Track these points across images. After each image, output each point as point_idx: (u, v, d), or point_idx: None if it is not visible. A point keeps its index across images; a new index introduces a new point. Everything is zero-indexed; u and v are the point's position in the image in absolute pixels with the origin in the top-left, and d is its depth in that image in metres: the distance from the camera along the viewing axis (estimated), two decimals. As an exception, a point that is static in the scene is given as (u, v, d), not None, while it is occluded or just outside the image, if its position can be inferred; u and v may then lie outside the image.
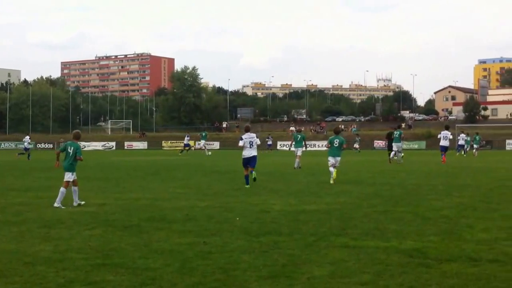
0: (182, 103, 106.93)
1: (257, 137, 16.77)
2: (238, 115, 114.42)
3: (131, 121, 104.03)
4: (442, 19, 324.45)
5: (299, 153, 24.47)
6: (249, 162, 16.18)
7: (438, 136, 30.28)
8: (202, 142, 48.43)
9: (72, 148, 12.07)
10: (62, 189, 11.83)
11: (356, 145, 52.60)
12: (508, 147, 59.60)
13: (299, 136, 25.54)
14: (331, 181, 16.68)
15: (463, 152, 41.81)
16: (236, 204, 11.95)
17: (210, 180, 18.59)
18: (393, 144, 28.88)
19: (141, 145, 79.63)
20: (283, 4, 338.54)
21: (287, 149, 59.97)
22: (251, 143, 16.28)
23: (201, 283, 5.72)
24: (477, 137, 43.44)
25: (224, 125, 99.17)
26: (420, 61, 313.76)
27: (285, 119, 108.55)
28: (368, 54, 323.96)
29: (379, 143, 69.78)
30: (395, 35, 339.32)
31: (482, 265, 6.24)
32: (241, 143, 16.33)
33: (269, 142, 61.08)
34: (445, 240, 7.70)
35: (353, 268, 6.21)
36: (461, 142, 43.49)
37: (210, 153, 47.08)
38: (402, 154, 29.31)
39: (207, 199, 13.02)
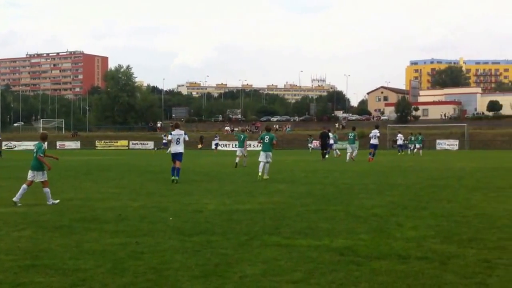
0: (116, 103, 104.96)
1: (185, 134, 17.69)
2: (173, 115, 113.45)
3: (63, 120, 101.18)
4: (375, 20, 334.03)
5: (239, 153, 25.34)
6: (176, 157, 17.21)
7: (370, 135, 31.57)
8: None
9: (35, 148, 12.11)
10: (24, 185, 11.86)
11: (400, 141, 51.47)
12: (438, 147, 61.94)
13: (242, 136, 26.50)
14: (259, 178, 17.86)
15: (408, 151, 44.05)
16: (170, 203, 11.79)
17: (144, 180, 18.30)
18: (348, 145, 31.11)
19: (74, 145, 77.64)
20: (218, 2, 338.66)
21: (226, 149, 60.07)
22: (178, 139, 17.33)
23: (132, 283, 5.61)
24: (420, 137, 45.77)
25: (159, 125, 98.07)
26: (354, 62, 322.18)
27: (220, 118, 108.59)
28: (302, 54, 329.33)
29: (313, 143, 71.01)
30: (329, 36, 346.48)
31: (411, 263, 6.38)
32: (169, 137, 17.53)
33: (216, 142, 61.33)
34: (375, 238, 7.85)
35: (285, 266, 6.23)
36: (399, 142, 45.30)
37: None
38: (351, 152, 31.00)
39: (140, 199, 12.80)
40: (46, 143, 12.78)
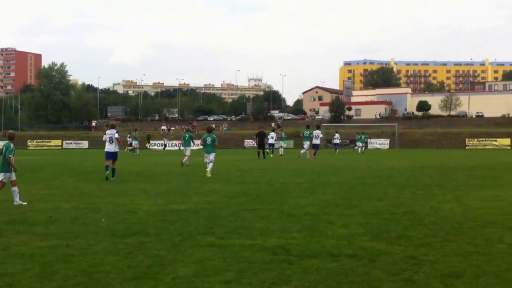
0: (50, 101, 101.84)
1: (117, 133, 18.16)
2: (109, 114, 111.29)
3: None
4: (310, 21, 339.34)
5: (187, 152, 26.02)
6: (111, 156, 17.80)
7: (312, 135, 32.91)
8: (134, 142, 48.24)
9: (3, 148, 11.79)
10: None
11: (337, 141, 52.33)
12: (370, 146, 63.60)
13: (187, 135, 27.36)
14: (208, 175, 18.74)
15: (359, 150, 45.92)
16: (103, 205, 11.55)
17: (77, 181, 17.83)
18: (304, 142, 32.64)
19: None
20: (155, 0, 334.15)
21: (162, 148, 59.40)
22: (110, 139, 17.98)
23: (62, 287, 5.48)
24: (363, 136, 47.77)
25: (94, 124, 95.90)
26: (290, 62, 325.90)
27: (157, 118, 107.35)
28: (239, 54, 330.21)
29: (250, 142, 71.37)
30: (266, 36, 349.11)
31: (341, 260, 6.51)
32: (104, 138, 18.29)
33: (165, 143, 61.02)
34: (307, 236, 7.97)
35: (218, 266, 6.24)
36: (336, 141, 46.59)
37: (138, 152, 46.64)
38: (307, 150, 32.39)
39: (73, 200, 12.48)
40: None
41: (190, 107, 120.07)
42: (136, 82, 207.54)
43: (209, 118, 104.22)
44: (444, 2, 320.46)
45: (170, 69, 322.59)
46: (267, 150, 37.11)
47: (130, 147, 47.82)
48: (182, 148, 27.29)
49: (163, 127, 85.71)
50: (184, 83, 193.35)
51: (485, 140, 64.85)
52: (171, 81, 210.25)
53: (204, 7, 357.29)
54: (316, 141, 32.96)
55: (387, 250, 7.04)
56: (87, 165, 28.00)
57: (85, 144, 72.18)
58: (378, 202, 11.91)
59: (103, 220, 9.48)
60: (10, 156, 11.77)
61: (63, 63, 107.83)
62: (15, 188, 11.78)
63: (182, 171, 22.29)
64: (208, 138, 19.74)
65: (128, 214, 10.19)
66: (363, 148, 47.63)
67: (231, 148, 65.67)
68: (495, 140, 64.30)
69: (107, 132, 18.21)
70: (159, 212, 10.48)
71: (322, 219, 9.59)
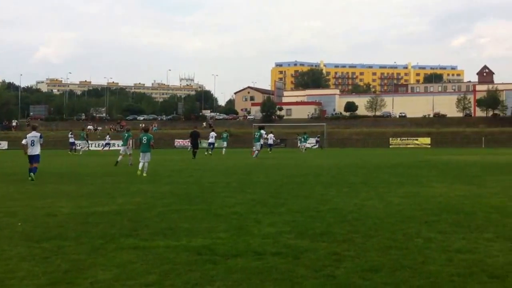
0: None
1: (40, 137, 17.97)
2: (31, 113, 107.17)
3: None
4: (242, 22, 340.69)
5: (123, 151, 26.85)
6: (33, 159, 17.52)
7: (267, 137, 36.68)
8: (82, 142, 49.38)
9: None
10: None
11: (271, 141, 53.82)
12: (300, 145, 64.56)
13: (126, 134, 28.01)
14: (139, 173, 19.25)
15: (304, 150, 47.76)
16: (20, 208, 11.03)
17: (-7, 183, 16.98)
18: (255, 143, 34.25)
19: None
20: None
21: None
22: (32, 142, 17.59)
23: (-30, 296, 5.17)
24: (305, 136, 49.75)
25: (14, 124, 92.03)
26: (222, 62, 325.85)
27: (83, 117, 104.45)
28: (171, 53, 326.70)
29: (180, 142, 70.78)
30: (197, 35, 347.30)
31: (266, 258, 6.51)
32: (24, 142, 17.75)
33: (106, 142, 59.67)
34: (234, 236, 7.94)
35: (140, 269, 6.08)
36: (270, 141, 47.24)
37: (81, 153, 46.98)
38: (258, 151, 34.04)
39: (-12, 204, 11.85)
40: None
41: (118, 106, 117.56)
42: (61, 81, 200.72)
43: (138, 118, 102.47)
44: (370, 8, 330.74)
45: (98, 68, 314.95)
46: (210, 147, 39.24)
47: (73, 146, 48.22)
48: (120, 147, 27.76)
49: (89, 127, 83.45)
50: (113, 82, 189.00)
51: (407, 139, 67.42)
52: (99, 80, 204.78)
53: (134, 5, 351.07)
54: (271, 141, 37.05)
55: (311, 247, 7.13)
56: (6, 166, 26.82)
57: (4, 144, 69.18)
58: (304, 200, 12.07)
59: (19, 224, 9.05)
60: None
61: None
62: None
63: (108, 172, 21.73)
64: (144, 137, 20.33)
65: (47, 218, 9.77)
66: (304, 147, 50.07)
67: (161, 148, 64.73)
68: (417, 139, 66.98)
69: (28, 135, 17.76)
70: (80, 214, 10.13)
71: (249, 218, 9.58)
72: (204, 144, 41.88)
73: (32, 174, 17.18)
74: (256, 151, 33.80)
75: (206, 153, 38.35)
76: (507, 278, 5.63)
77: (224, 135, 43.57)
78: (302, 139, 50.97)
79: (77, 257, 6.66)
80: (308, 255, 6.68)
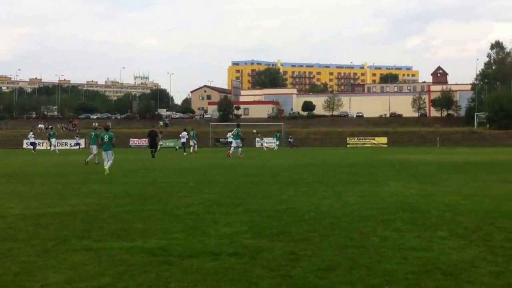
0: None
1: None
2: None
3: None
4: (199, 19, 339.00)
5: (95, 150, 26.57)
6: None
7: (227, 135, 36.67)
8: (53, 140, 49.65)
9: None
10: None
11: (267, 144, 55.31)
12: (257, 145, 64.66)
13: (93, 133, 27.56)
14: (107, 171, 19.46)
15: (275, 148, 48.85)
16: (-32, 209, 10.63)
17: None
18: (233, 141, 34.76)
19: None
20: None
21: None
22: None
23: None
24: (278, 135, 51.22)
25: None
26: (178, 60, 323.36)
27: (34, 115, 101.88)
28: (125, 51, 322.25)
29: (135, 141, 69.85)
30: (152, 33, 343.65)
31: (222, 259, 6.45)
32: None
33: (78, 141, 58.81)
34: (189, 236, 7.84)
35: (93, 271, 5.92)
36: (182, 140, 47.28)
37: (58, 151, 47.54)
38: (240, 148, 34.36)
39: None
40: None
41: (71, 104, 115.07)
42: (10, 78, 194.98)
43: (92, 117, 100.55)
44: (326, 8, 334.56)
45: (49, 65, 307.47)
46: (181, 148, 41.68)
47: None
48: (90, 146, 27.70)
49: (41, 125, 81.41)
50: (65, 80, 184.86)
51: (365, 139, 68.43)
52: (50, 77, 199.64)
53: (87, 1, 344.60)
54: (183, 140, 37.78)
55: (267, 247, 7.09)
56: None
57: None
58: (262, 199, 12.04)
59: (-33, 226, 8.71)
60: None
61: None
62: None
63: (59, 171, 21.21)
64: (105, 136, 20.97)
65: (-4, 219, 9.44)
66: (276, 146, 52.20)
67: (116, 147, 63.72)
68: (374, 139, 68.05)
69: None
70: (31, 216, 9.82)
71: (205, 218, 9.49)
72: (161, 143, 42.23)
73: None
74: (239, 149, 33.95)
75: (185, 153, 40.19)
76: (460, 276, 5.73)
77: (192, 133, 43.07)
78: (276, 137, 52.82)
79: (27, 259, 6.44)
80: (265, 255, 6.64)
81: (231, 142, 49.33)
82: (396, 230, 8.19)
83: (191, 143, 42.19)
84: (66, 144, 63.71)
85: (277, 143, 52.94)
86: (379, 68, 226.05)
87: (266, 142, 65.21)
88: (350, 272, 5.84)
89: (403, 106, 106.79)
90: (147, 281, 5.56)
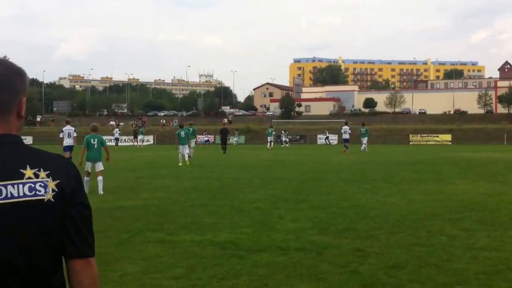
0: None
1: (74, 131, 20.00)
2: (54, 109, 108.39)
3: None
4: (260, 18, 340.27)
5: (192, 144, 27.89)
6: (69, 149, 19.35)
7: (341, 131, 36.40)
8: (140, 137, 54.26)
9: None
10: None
11: (284, 138, 54.43)
12: (319, 142, 64.40)
13: (191, 129, 28.60)
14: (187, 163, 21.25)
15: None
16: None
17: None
18: (362, 138, 35.78)
19: None
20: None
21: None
22: (69, 134, 19.72)
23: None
24: (364, 129, 49.32)
25: (38, 119, 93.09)
26: (241, 58, 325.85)
27: (105, 113, 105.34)
28: (190, 49, 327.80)
29: (200, 138, 70.99)
30: (217, 31, 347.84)
31: (290, 254, 6.59)
32: (61, 135, 19.79)
33: (117, 137, 60.55)
34: (257, 231, 8.03)
35: (167, 263, 6.20)
36: (283, 138, 47.47)
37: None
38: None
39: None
40: None
41: (139, 102, 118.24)
42: (83, 77, 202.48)
43: (159, 114, 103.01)
44: (388, 4, 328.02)
45: (119, 64, 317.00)
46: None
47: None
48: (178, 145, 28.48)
49: (112, 123, 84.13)
50: (134, 78, 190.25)
51: (428, 136, 66.73)
52: (120, 76, 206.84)
53: (154, 1, 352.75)
54: (345, 136, 36.05)
55: (334, 243, 7.18)
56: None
57: (29, 139, 69.89)
58: (326, 196, 12.11)
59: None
60: None
61: (5, 56, 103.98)
62: None
63: (131, 167, 21.96)
64: (182, 132, 23.29)
65: (74, 212, 9.96)
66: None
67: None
68: (437, 136, 66.27)
69: (64, 128, 20.01)
70: (106, 209, 10.30)
71: (271, 213, 9.67)
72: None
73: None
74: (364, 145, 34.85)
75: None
76: (533, 276, 5.63)
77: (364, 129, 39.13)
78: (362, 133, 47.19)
79: (105, 250, 6.79)
80: (332, 251, 6.73)
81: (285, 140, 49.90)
82: (464, 229, 8.08)
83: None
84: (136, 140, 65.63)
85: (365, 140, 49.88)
86: (443, 63, 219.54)
87: (331, 139, 64.81)
88: (419, 271, 5.85)
89: (468, 102, 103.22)
90: (219, 273, 5.77)
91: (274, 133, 46.97)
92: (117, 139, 56.21)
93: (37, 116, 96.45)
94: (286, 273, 5.78)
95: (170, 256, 6.50)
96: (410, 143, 64.71)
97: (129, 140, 63.39)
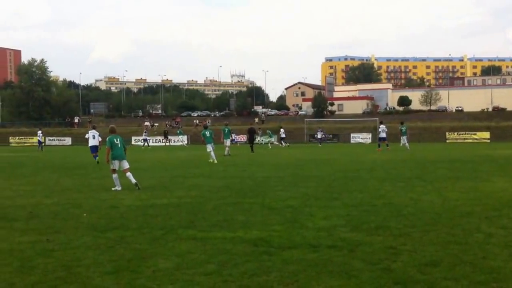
0: (31, 98, 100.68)
1: (98, 135, 24.15)
2: (91, 110, 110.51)
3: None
4: (291, 17, 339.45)
5: (227, 143, 29.79)
6: (95, 149, 23.60)
7: (379, 130, 36.93)
8: (181, 137, 57.20)
9: None
10: None
11: (319, 135, 54.83)
12: (352, 141, 63.95)
13: (226, 129, 30.30)
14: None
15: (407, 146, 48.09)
16: (85, 200, 11.52)
17: (59, 177, 17.73)
18: (402, 137, 36.36)
19: (-14, 141, 73.95)
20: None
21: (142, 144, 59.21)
22: (94, 136, 23.79)
23: (41, 281, 5.45)
24: (404, 128, 49.02)
25: (76, 120, 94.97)
26: (272, 58, 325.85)
27: (140, 114, 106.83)
28: (222, 50, 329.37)
29: (232, 137, 71.25)
30: (248, 31, 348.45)
31: (321, 251, 6.57)
32: (86, 135, 23.72)
33: (145, 137, 61.32)
34: (288, 228, 8.03)
35: (199, 259, 6.26)
36: (319, 135, 47.14)
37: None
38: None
39: (54, 195, 12.41)
40: None
41: (173, 103, 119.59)
42: (118, 79, 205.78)
43: (192, 114, 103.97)
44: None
45: (152, 65, 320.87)
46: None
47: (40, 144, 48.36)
48: (223, 140, 30.37)
49: (147, 123, 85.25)
50: (167, 79, 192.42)
51: (465, 134, 65.49)
52: (153, 77, 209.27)
53: (185, 3, 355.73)
54: (383, 135, 36.45)
55: (366, 241, 7.12)
56: (70, 161, 27.78)
57: (68, 140, 71.54)
58: (358, 194, 12.02)
59: (85, 215, 9.46)
60: None
61: (43, 59, 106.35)
62: None
63: (164, 166, 22.23)
64: (206, 132, 25.52)
65: (109, 209, 10.17)
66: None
67: (216, 143, 65.45)
68: (475, 134, 64.96)
69: (90, 131, 24.40)
70: (141, 206, 10.48)
71: (303, 211, 9.65)
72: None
73: (98, 158, 23.21)
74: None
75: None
76: None
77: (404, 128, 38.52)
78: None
79: (139, 247, 6.92)
80: (364, 249, 6.68)
81: (319, 138, 49.56)
82: (502, 227, 7.92)
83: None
84: (171, 140, 66.30)
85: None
86: (480, 60, 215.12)
87: (361, 138, 64.28)
88: (453, 268, 5.75)
89: (507, 99, 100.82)
90: (250, 270, 5.80)
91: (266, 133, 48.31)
92: (145, 140, 57.80)
93: (75, 117, 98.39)
94: (317, 270, 5.76)
95: (202, 252, 6.57)
96: (447, 141, 63.63)
97: (157, 141, 64.19)
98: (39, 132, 49.12)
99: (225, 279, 5.45)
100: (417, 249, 6.61)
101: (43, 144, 48.94)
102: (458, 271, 5.64)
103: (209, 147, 25.03)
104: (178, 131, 61.03)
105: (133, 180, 13.41)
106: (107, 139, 13.75)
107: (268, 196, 11.88)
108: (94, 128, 25.48)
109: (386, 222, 8.47)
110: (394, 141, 40.79)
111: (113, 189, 13.28)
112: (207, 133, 25.46)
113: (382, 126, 36.86)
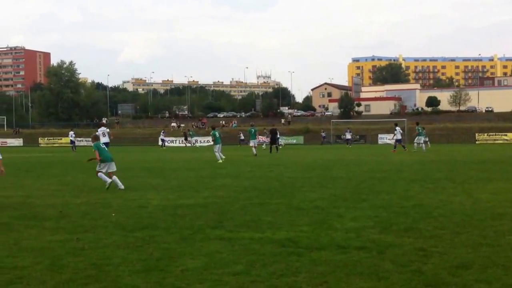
0: (60, 99, 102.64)
1: (107, 130, 25.00)
2: (119, 111, 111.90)
3: (5, 117, 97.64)
4: (317, 18, 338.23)
5: (252, 143, 30.71)
6: (106, 145, 22.47)
7: (394, 132, 37.40)
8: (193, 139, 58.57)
9: None
10: None
11: (348, 136, 55.20)
12: (380, 141, 63.41)
13: (253, 130, 31.09)
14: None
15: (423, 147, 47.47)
16: (113, 200, 11.63)
17: (87, 177, 17.91)
18: (419, 137, 37.56)
19: (16, 142, 75.60)
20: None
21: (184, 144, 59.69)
22: (103, 133, 23.74)
23: (71, 279, 5.51)
24: (420, 129, 48.07)
25: (104, 121, 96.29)
26: (298, 58, 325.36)
27: (167, 115, 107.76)
28: (248, 51, 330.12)
29: (259, 138, 71.32)
30: (274, 32, 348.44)
31: (350, 252, 6.51)
32: (97, 133, 21.02)
33: (162, 137, 61.74)
34: (316, 229, 7.99)
35: (227, 259, 6.26)
36: (348, 136, 46.77)
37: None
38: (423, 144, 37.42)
39: (83, 195, 12.57)
40: None
41: (199, 104, 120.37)
42: (145, 80, 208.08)
43: (218, 115, 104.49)
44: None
45: (179, 67, 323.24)
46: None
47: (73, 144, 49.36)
48: (250, 140, 31.67)
49: (173, 124, 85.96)
50: (193, 81, 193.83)
51: (495, 135, 64.40)
52: (180, 79, 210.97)
53: (211, 4, 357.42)
54: (398, 136, 36.93)
55: (396, 242, 7.04)
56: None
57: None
58: (387, 195, 11.90)
59: (113, 214, 9.55)
60: None
61: (72, 61, 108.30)
62: None
63: (191, 166, 22.35)
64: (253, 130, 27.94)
65: (138, 209, 10.26)
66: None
67: (242, 144, 65.56)
68: (505, 135, 63.80)
69: (99, 129, 24.61)
70: (169, 206, 10.54)
71: (331, 212, 9.59)
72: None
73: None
74: (422, 144, 36.34)
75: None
76: None
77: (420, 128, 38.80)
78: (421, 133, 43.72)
79: (167, 246, 6.95)
80: (393, 250, 6.60)
81: (348, 139, 49.09)
82: (535, 230, 7.75)
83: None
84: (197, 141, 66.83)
85: (422, 140, 47.93)
86: (510, 59, 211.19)
87: (388, 139, 63.64)
88: (485, 271, 5.65)
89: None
90: (278, 270, 5.77)
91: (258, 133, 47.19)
92: (162, 140, 59.43)
93: (103, 118, 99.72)
94: (346, 272, 5.71)
95: (230, 252, 6.57)
96: (477, 142, 62.65)
97: (177, 141, 64.85)
98: (71, 132, 49.96)
99: (254, 280, 5.44)
100: (448, 251, 6.50)
101: (75, 144, 49.79)
102: (490, 274, 5.53)
103: (216, 148, 26.06)
104: (190, 132, 62.35)
105: (121, 184, 13.70)
106: (93, 144, 14.37)
107: (295, 197, 11.84)
108: (103, 125, 26.88)
109: (416, 223, 8.36)
110: (435, 141, 40.30)
111: (106, 186, 13.39)
112: (217, 134, 26.61)
113: (398, 128, 37.34)
